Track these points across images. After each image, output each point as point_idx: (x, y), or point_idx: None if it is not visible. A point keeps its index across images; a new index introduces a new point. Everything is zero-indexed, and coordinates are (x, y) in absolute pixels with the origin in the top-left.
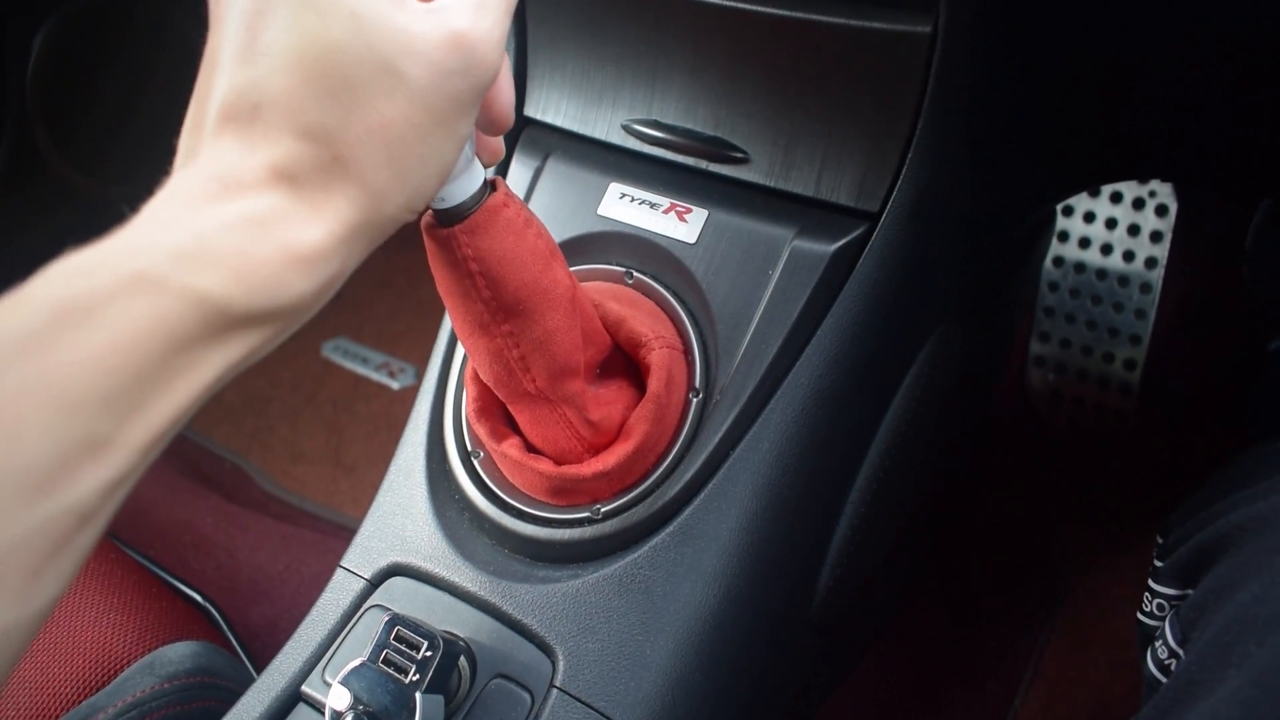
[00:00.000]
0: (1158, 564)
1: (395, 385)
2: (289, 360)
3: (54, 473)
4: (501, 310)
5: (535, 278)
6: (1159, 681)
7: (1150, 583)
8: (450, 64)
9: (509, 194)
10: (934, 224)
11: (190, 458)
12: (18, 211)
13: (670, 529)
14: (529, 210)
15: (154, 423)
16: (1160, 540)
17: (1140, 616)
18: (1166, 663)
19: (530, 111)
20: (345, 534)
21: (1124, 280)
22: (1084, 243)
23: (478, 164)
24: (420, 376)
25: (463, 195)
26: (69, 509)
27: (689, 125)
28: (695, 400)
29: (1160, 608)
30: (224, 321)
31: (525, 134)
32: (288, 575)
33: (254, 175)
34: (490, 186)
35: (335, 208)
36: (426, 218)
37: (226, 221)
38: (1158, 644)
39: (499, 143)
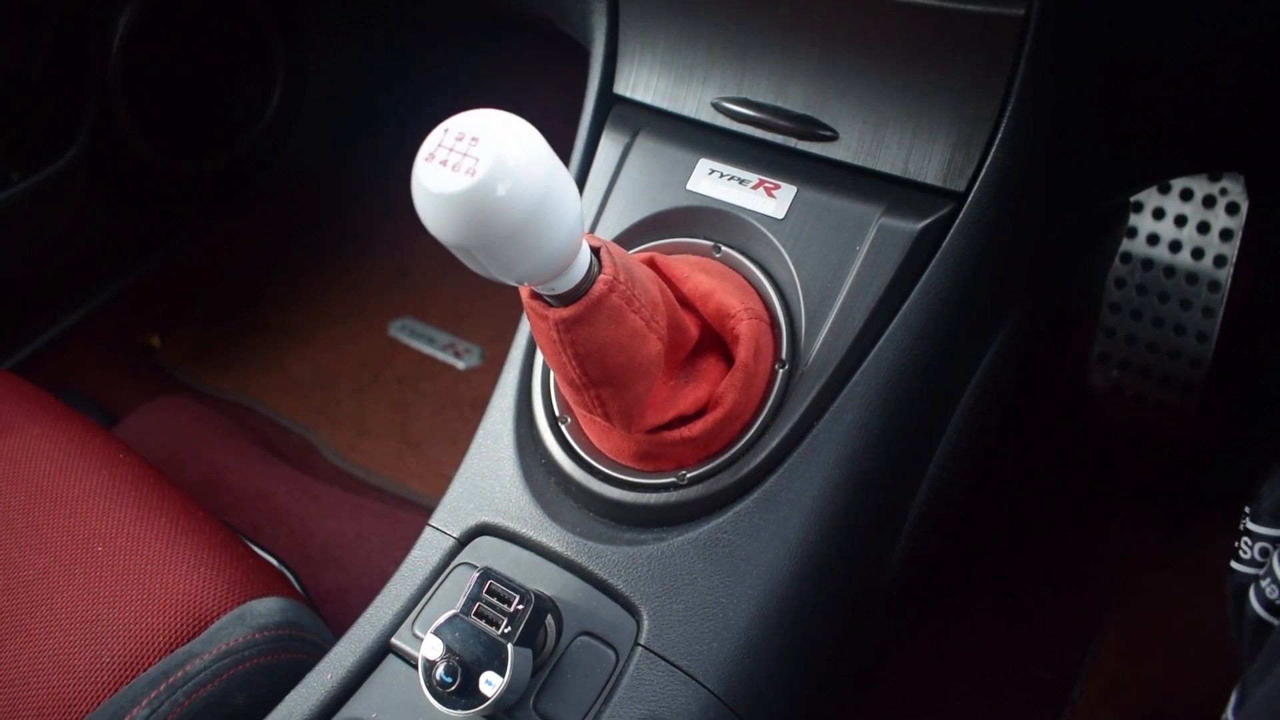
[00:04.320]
0: (1249, 511)
1: (461, 365)
2: (356, 338)
3: None
4: (591, 381)
5: (630, 357)
6: (1267, 623)
7: (1248, 525)
8: None
9: (615, 276)
10: (1017, 206)
11: (260, 429)
12: (98, 186)
13: (755, 496)
14: (633, 281)
15: None
16: (1247, 510)
17: (1235, 565)
18: (1278, 602)
19: (620, 89)
20: (412, 507)
21: (1192, 278)
22: (1152, 239)
23: (585, 250)
24: (485, 358)
25: (569, 284)
26: None
27: (779, 104)
28: (781, 371)
29: (1263, 552)
30: None
31: (615, 111)
32: (358, 543)
33: None
34: (596, 262)
35: None
36: (525, 291)
37: None
38: (1265, 583)
39: None
